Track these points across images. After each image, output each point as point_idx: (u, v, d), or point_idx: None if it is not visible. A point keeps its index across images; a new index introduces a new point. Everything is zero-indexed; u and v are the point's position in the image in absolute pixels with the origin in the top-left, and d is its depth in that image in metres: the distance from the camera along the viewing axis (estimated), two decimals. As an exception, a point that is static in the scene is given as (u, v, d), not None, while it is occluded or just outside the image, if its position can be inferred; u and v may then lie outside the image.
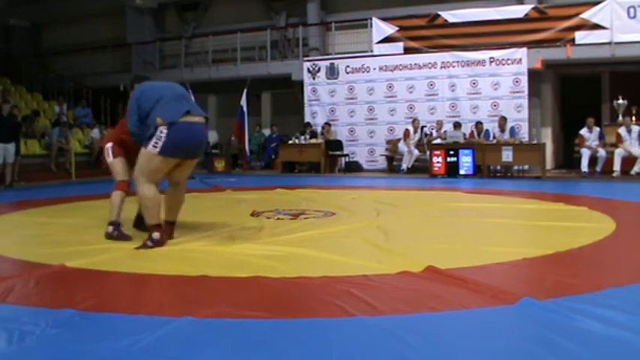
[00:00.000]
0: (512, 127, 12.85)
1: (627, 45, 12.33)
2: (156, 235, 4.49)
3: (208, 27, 18.04)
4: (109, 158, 5.10)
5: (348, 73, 15.05)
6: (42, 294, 3.37)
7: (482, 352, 2.41)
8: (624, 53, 12.40)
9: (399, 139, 13.86)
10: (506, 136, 12.56)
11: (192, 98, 5.04)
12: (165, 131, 4.30)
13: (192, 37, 18.15)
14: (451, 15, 14.12)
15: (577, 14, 12.84)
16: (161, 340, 2.50)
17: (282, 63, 16.17)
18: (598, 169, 11.77)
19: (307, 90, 15.45)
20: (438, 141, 13.22)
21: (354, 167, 14.62)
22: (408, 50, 14.52)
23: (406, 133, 13.52)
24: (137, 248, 4.45)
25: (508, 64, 13.43)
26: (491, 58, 13.59)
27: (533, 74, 13.45)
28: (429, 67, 14.18)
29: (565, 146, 15.21)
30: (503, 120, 12.77)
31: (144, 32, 18.64)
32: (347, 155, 14.66)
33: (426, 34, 14.35)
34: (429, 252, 4.25)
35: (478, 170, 12.15)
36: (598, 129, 12.11)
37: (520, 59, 13.30)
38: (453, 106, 14.03)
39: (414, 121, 13.71)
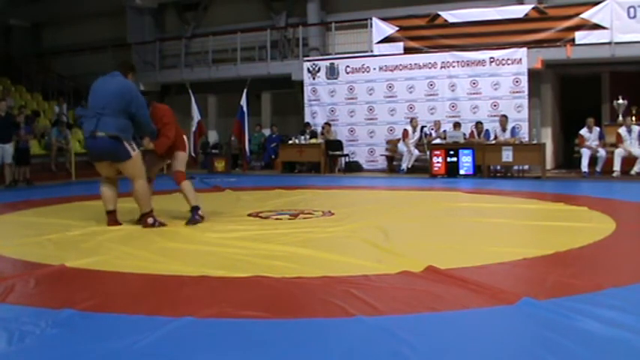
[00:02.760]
0: (513, 127, 12.82)
1: (627, 45, 12.30)
2: None
3: (208, 27, 18.01)
4: None
5: (348, 73, 15.03)
6: (42, 294, 3.37)
7: (482, 352, 2.41)
8: (624, 53, 12.38)
9: (399, 139, 13.83)
10: (508, 135, 12.54)
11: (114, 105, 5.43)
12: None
13: (192, 37, 18.12)
14: (451, 15, 14.10)
15: (577, 14, 12.81)
16: (161, 340, 2.50)
17: (282, 63, 16.15)
18: (598, 169, 11.76)
19: (307, 90, 15.43)
20: (438, 141, 13.21)
21: (354, 167, 14.59)
22: (408, 50, 14.49)
23: (404, 133, 13.49)
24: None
25: (508, 64, 13.41)
26: (491, 58, 13.57)
27: (533, 74, 13.43)
28: (429, 67, 14.15)
29: (565, 146, 15.19)
30: (504, 119, 12.73)
31: (144, 32, 18.61)
32: (347, 155, 14.64)
33: (426, 34, 14.33)
34: (429, 252, 4.26)
35: (478, 170, 12.13)
36: (598, 129, 12.09)
37: (520, 59, 13.27)
38: (453, 106, 14.02)
39: (412, 120, 13.70)
